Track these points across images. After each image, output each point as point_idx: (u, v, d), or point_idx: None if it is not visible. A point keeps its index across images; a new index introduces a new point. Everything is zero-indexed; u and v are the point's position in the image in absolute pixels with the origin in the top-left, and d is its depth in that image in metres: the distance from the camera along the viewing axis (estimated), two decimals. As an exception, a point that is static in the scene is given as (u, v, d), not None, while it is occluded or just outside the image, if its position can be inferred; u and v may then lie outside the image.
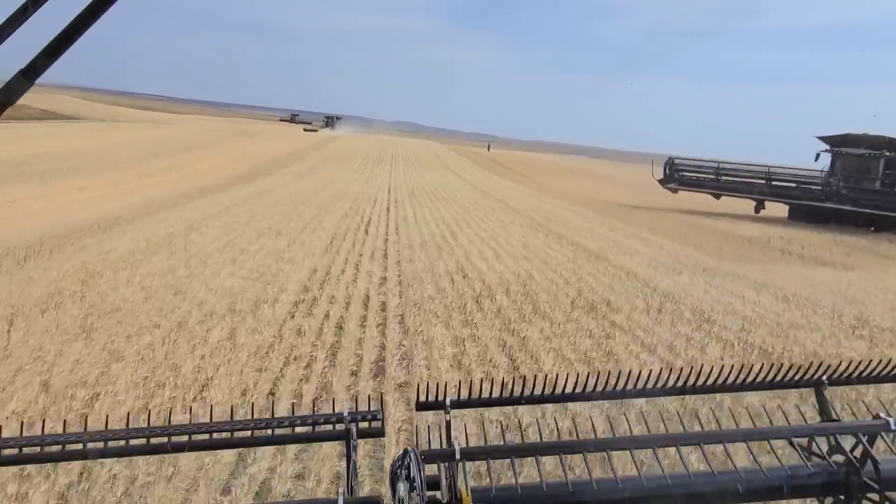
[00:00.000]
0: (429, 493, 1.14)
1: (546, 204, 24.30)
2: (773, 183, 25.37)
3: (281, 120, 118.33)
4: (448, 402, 1.34)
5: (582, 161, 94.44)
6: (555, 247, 14.39)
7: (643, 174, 64.54)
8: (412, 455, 1.15)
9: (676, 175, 27.56)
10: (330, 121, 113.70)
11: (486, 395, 1.39)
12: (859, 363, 1.49)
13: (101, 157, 35.34)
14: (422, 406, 1.37)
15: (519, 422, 4.83)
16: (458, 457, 1.19)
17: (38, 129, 50.90)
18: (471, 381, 1.54)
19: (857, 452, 1.25)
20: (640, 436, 1.32)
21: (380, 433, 1.32)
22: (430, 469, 1.18)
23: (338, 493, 1.17)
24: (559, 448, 1.28)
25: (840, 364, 1.48)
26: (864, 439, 1.25)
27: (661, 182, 27.82)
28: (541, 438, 1.91)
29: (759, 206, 26.02)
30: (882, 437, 1.28)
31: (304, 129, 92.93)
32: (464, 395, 1.40)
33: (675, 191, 27.82)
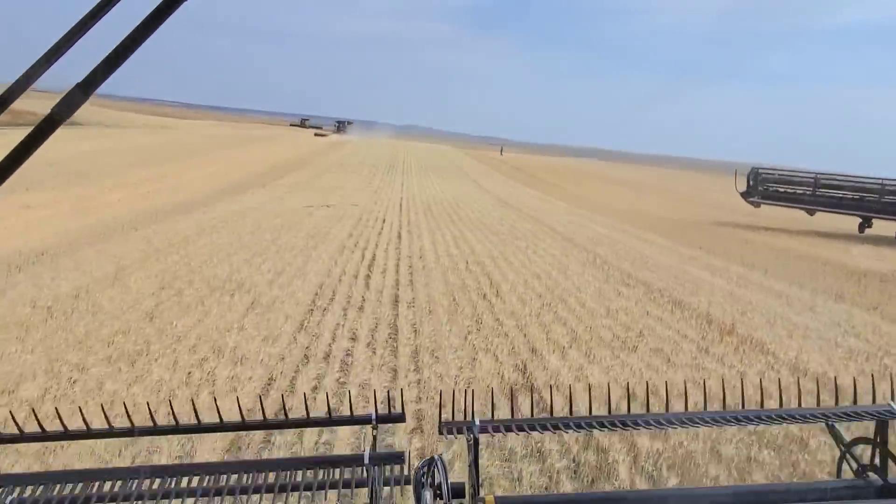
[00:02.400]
0: (454, 501, 1.12)
1: (596, 224, 18.96)
2: (886, 198, 20.07)
3: (291, 125, 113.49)
4: (477, 422, 1.26)
5: (596, 164, 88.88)
6: (655, 311, 9.10)
7: (668, 178, 58.98)
8: (438, 463, 1.12)
9: (761, 187, 22.27)
10: (341, 125, 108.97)
11: (516, 414, 1.39)
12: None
13: (79, 166, 30.26)
14: (446, 428, 1.28)
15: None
16: (478, 426, 1.19)
17: (23, 134, 46.13)
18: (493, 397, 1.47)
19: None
20: (661, 414, 1.29)
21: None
22: (455, 477, 1.15)
23: (363, 449, 1.19)
24: (579, 423, 1.25)
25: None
26: (877, 439, 1.25)
27: (744, 195, 22.55)
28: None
29: (865, 224, 20.75)
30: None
31: (315, 134, 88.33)
32: (492, 406, 1.38)
33: (757, 205, 22.56)
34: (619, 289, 10.43)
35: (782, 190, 22.47)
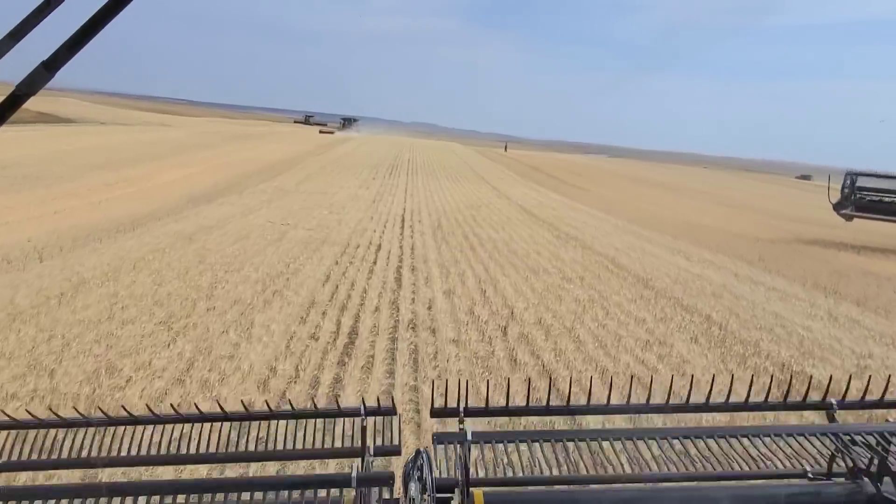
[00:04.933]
0: (441, 496, 1.09)
1: (664, 251, 13.88)
2: None
3: (295, 122, 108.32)
4: (462, 410, 1.26)
5: (612, 162, 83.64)
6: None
7: (692, 177, 53.76)
8: (425, 456, 1.11)
9: (855, 197, 17.15)
10: (347, 122, 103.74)
11: (502, 404, 1.33)
12: (868, 384, 1.36)
13: (37, 169, 25.38)
14: (436, 413, 1.29)
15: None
16: (469, 439, 1.17)
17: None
18: (487, 387, 1.55)
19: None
20: (649, 428, 1.29)
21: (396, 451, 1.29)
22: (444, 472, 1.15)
23: (351, 467, 1.16)
24: (568, 435, 1.25)
25: (850, 386, 1.37)
26: (879, 449, 1.21)
27: (837, 207, 17.50)
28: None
29: None
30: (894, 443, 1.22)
31: (321, 132, 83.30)
32: (479, 402, 1.33)
33: (849, 219, 17.50)
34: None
35: (884, 200, 17.29)
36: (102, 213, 16.97)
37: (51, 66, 0.73)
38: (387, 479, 1.12)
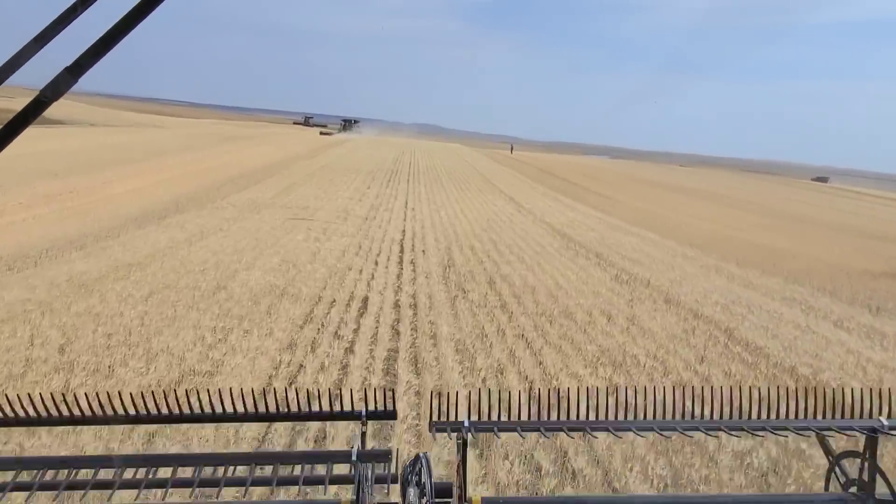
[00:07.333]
0: (440, 500, 1.07)
1: (805, 315, 9.37)
2: None
3: (294, 123, 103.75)
4: (467, 424, 1.17)
5: (621, 164, 79.15)
6: None
7: (710, 180, 49.27)
8: (424, 461, 1.08)
9: None
10: (347, 124, 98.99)
11: (505, 413, 1.28)
12: (852, 399, 1.30)
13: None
14: (437, 426, 1.19)
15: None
16: (467, 426, 1.14)
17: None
18: (489, 392, 1.29)
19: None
20: (655, 420, 1.28)
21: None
22: (441, 476, 1.02)
23: (351, 447, 1.14)
24: (564, 426, 1.22)
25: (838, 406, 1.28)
26: (867, 455, 1.21)
27: None
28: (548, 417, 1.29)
29: None
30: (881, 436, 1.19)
31: (321, 133, 78.95)
32: (481, 406, 1.28)
33: None
34: None
35: None
36: (13, 238, 12.66)
37: (75, 72, 0.72)
38: (386, 455, 1.12)
